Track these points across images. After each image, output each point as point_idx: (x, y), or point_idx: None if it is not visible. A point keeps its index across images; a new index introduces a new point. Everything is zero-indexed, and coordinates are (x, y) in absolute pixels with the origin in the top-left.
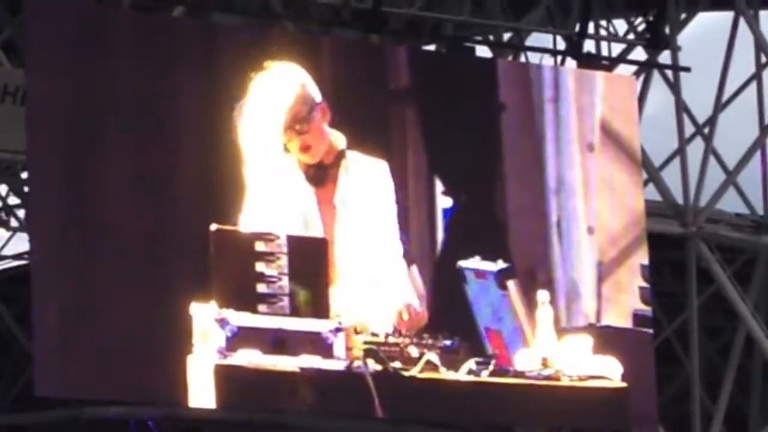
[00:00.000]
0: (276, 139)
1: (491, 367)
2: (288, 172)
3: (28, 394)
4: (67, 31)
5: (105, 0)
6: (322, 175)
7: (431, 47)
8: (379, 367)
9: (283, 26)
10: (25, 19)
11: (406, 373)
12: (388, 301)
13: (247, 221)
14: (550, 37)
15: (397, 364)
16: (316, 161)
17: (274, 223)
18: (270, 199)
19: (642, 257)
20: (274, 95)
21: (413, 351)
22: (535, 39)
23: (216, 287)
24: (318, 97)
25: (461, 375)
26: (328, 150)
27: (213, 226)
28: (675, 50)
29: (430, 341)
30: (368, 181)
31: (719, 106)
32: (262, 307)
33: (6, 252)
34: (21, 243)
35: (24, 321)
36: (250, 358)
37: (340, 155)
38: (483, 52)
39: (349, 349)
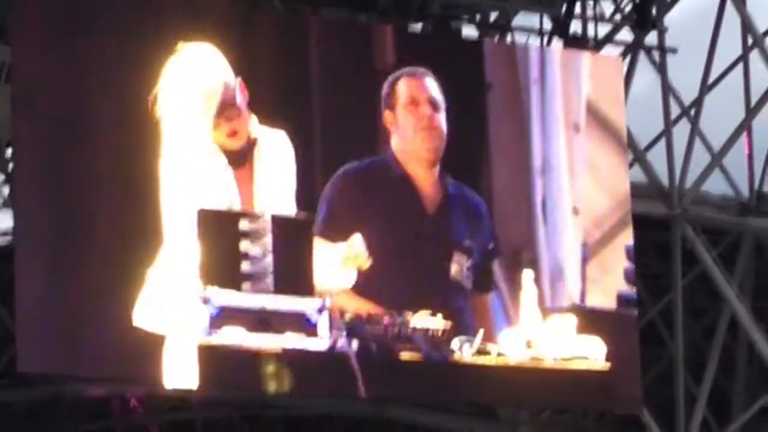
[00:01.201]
0: (204, 126)
1: (476, 345)
2: (209, 158)
3: (11, 372)
4: (51, 9)
5: None
6: (241, 159)
7: (418, 26)
8: (362, 347)
9: (272, 5)
10: None
11: (389, 354)
12: None
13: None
14: (536, 17)
15: (380, 344)
16: (239, 146)
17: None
18: (192, 182)
19: (627, 238)
20: (197, 81)
21: (397, 331)
22: (522, 19)
23: (200, 265)
24: (232, 75)
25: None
26: (247, 135)
27: (198, 207)
28: (662, 31)
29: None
30: (274, 153)
31: (705, 87)
32: (246, 285)
33: None
34: (7, 219)
35: (7, 299)
36: (234, 336)
37: (255, 140)
38: (469, 31)
39: (332, 328)
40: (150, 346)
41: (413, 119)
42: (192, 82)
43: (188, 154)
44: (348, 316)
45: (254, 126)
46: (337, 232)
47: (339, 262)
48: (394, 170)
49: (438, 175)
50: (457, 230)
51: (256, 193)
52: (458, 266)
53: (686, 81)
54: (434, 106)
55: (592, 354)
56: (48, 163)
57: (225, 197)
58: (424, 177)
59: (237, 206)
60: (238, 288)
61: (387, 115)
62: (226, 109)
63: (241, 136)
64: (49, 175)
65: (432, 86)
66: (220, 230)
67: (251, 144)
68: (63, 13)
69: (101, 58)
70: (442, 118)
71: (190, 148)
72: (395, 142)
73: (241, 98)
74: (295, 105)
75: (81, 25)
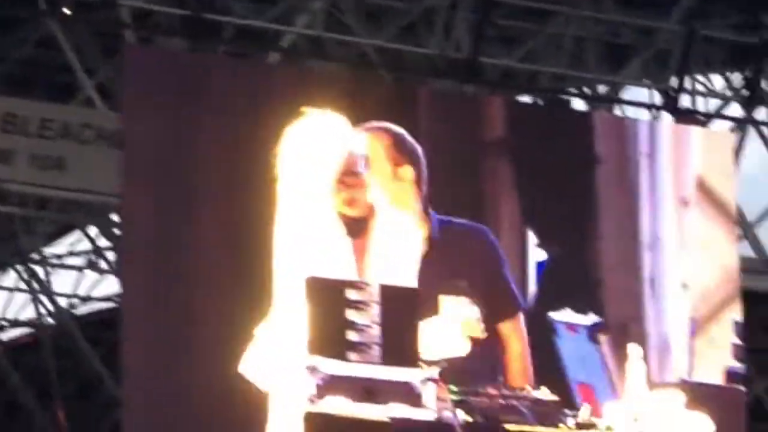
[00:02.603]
0: (325, 192)
1: (582, 417)
2: (328, 225)
3: None
4: (163, 76)
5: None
6: (360, 227)
7: (527, 99)
8: (469, 419)
9: (379, 75)
10: (122, 63)
11: (495, 425)
12: None
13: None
14: (646, 90)
15: (486, 416)
16: (357, 215)
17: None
18: (310, 252)
19: (735, 314)
20: (324, 146)
21: (504, 403)
22: (632, 93)
23: (307, 334)
24: (359, 144)
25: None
26: (368, 205)
27: (307, 275)
28: None
29: (521, 393)
30: (397, 231)
31: None
32: (352, 355)
33: (95, 294)
34: (110, 286)
35: (111, 364)
36: (339, 405)
37: (374, 208)
38: (578, 104)
39: (439, 399)
40: (253, 412)
41: None
42: (315, 145)
43: (305, 219)
44: (454, 387)
45: (375, 197)
46: None
47: (458, 330)
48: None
49: None
50: None
51: (369, 264)
52: None
53: None
54: None
55: (699, 430)
56: (155, 230)
57: (342, 266)
58: None
59: (353, 275)
60: (343, 358)
61: None
62: (347, 175)
63: (360, 205)
64: (156, 241)
65: None
66: (328, 299)
67: (370, 215)
68: (176, 77)
69: (214, 123)
70: None
71: (307, 212)
72: None
73: (364, 169)
74: None
75: (193, 89)
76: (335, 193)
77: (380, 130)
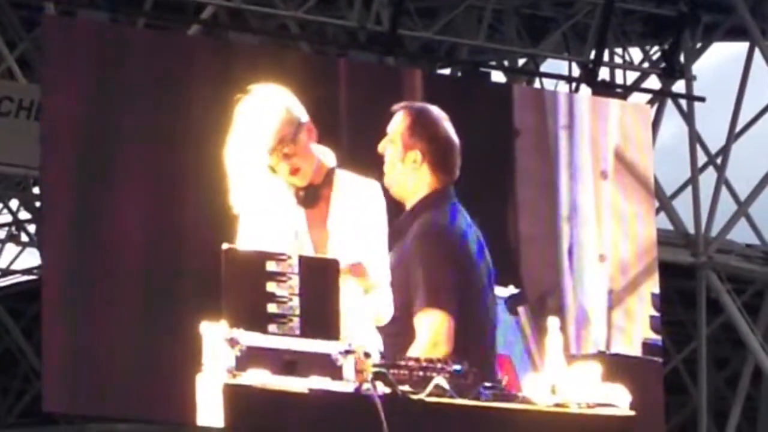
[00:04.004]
0: (262, 163)
1: (499, 393)
2: (277, 195)
3: (34, 409)
4: (83, 48)
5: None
6: (312, 196)
7: (446, 71)
8: (388, 390)
9: (299, 47)
10: (42, 35)
11: (414, 397)
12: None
13: (242, 245)
14: (565, 63)
15: (406, 388)
16: (306, 183)
17: (263, 245)
18: (261, 223)
19: (653, 286)
20: (259, 118)
21: (422, 375)
22: (550, 65)
23: (226, 306)
24: (304, 116)
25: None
26: (317, 170)
27: (224, 245)
28: (689, 79)
29: (439, 365)
30: (360, 201)
31: (732, 136)
32: (272, 327)
33: (15, 267)
34: (31, 258)
35: (32, 336)
36: (259, 378)
37: (330, 174)
38: (498, 77)
39: (358, 371)
40: (178, 385)
41: None
42: (256, 119)
43: (255, 192)
44: (374, 360)
45: (330, 164)
46: None
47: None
48: None
49: None
50: None
51: (328, 236)
52: None
53: (713, 130)
54: None
55: (616, 401)
56: (76, 202)
57: (290, 237)
58: None
59: (307, 246)
60: (264, 330)
61: None
62: (284, 144)
63: (305, 174)
64: (77, 215)
65: None
66: (247, 270)
67: (324, 184)
68: (96, 49)
69: (134, 94)
70: None
71: (256, 185)
72: None
73: (305, 137)
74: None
75: (114, 60)
76: (278, 163)
77: (407, 109)
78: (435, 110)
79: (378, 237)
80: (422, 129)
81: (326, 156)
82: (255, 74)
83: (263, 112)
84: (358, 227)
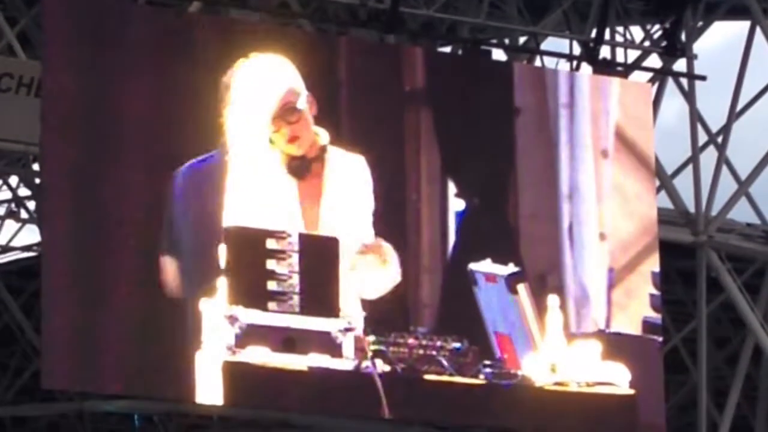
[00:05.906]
0: (263, 130)
1: (499, 371)
2: (270, 166)
3: (33, 386)
4: (83, 25)
5: None
6: (304, 167)
7: (447, 49)
8: (387, 368)
9: (300, 25)
10: (42, 12)
11: (414, 375)
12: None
13: (228, 217)
14: (566, 41)
15: (405, 366)
16: (301, 153)
17: (255, 218)
18: (251, 194)
19: (653, 265)
20: (264, 84)
21: (422, 353)
22: (551, 43)
23: (227, 284)
24: (304, 89)
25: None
26: (312, 144)
27: (225, 224)
28: (690, 58)
29: (439, 343)
30: (349, 176)
31: (733, 115)
32: (272, 305)
33: (15, 244)
34: (30, 235)
35: (31, 313)
36: (258, 355)
37: (323, 150)
38: (499, 55)
39: (358, 349)
40: (177, 361)
41: None
42: (257, 85)
43: (247, 157)
44: (373, 337)
45: (323, 141)
46: None
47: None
48: None
49: None
50: None
51: (322, 209)
52: None
53: (714, 108)
54: None
55: (616, 380)
56: (76, 179)
57: (280, 209)
58: None
59: (297, 218)
60: (264, 307)
61: None
62: (287, 112)
63: (304, 143)
64: (77, 191)
65: None
66: (248, 248)
67: (318, 157)
68: (96, 26)
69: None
70: None
71: (249, 150)
72: None
73: (305, 106)
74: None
75: (114, 37)
76: (276, 130)
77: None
78: None
79: (366, 212)
80: None
81: (320, 133)
82: (255, 47)
83: (268, 79)
84: (350, 205)
